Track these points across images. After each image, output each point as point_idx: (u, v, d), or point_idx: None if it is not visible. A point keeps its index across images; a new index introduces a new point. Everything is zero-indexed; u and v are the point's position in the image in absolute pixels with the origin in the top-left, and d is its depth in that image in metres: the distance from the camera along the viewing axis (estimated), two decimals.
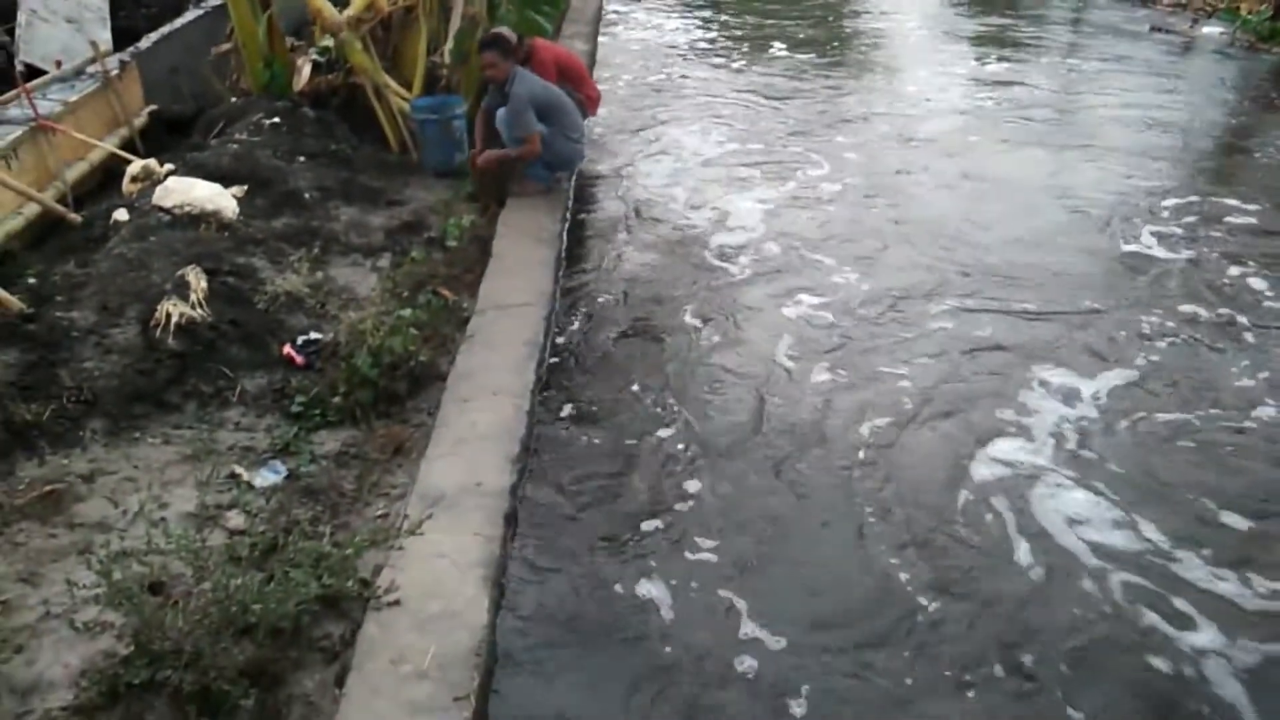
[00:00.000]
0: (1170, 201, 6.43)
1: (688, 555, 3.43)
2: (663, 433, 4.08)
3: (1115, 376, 4.51)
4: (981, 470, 3.87)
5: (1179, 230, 6.01)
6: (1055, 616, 3.17)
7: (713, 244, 5.83)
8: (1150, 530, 3.55)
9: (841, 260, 5.63)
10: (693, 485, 3.78)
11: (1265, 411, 4.27)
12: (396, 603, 2.93)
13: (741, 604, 3.22)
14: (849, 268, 5.54)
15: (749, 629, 3.13)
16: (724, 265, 5.58)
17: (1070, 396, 4.36)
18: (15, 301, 4.11)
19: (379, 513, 3.43)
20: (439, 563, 3.11)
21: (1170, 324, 4.96)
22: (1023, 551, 3.45)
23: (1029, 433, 4.10)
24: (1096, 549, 3.46)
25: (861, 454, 3.96)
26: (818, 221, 6.14)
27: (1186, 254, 5.70)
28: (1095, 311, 5.08)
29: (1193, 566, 3.38)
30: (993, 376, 4.51)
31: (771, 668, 2.98)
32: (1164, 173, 6.98)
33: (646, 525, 3.56)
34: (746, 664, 3.00)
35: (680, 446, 4.00)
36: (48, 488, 3.39)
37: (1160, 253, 5.73)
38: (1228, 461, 3.96)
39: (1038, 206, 6.39)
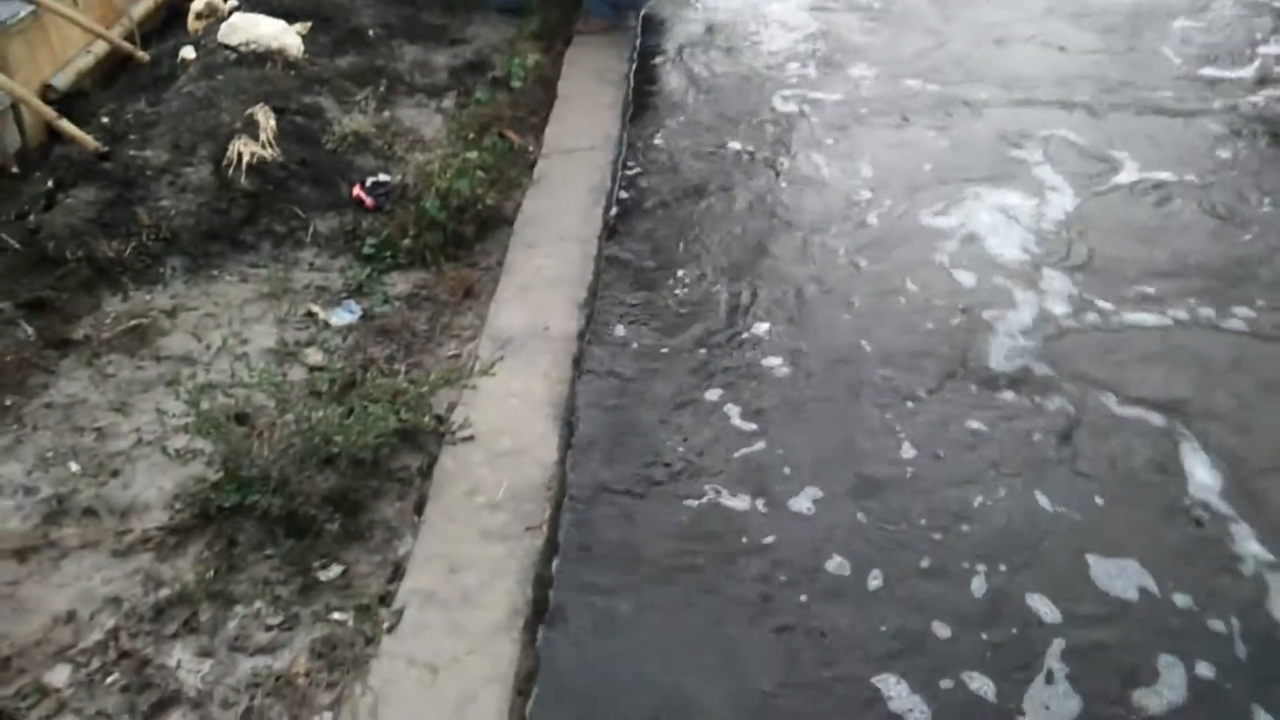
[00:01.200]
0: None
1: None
2: (719, 272, 4.12)
3: (1158, 171, 4.59)
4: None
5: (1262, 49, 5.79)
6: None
7: (774, 61, 5.79)
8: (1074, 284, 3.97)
9: (906, 63, 5.73)
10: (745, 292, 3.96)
11: None
12: (470, 438, 3.03)
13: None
14: (908, 69, 5.67)
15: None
16: (786, 83, 5.56)
17: (1099, 176, 4.53)
18: (91, 140, 4.15)
19: (451, 353, 3.50)
20: (510, 402, 3.20)
21: (1235, 135, 4.88)
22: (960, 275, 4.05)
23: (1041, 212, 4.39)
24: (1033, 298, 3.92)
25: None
26: (881, 33, 6.16)
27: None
28: (1158, 111, 5.07)
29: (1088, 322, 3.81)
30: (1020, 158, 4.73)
31: None
32: None
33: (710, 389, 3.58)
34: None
35: (739, 278, 4.08)
36: (133, 322, 3.51)
37: (1229, 67, 5.54)
38: (1206, 248, 4.17)
39: (1115, 13, 6.19)
